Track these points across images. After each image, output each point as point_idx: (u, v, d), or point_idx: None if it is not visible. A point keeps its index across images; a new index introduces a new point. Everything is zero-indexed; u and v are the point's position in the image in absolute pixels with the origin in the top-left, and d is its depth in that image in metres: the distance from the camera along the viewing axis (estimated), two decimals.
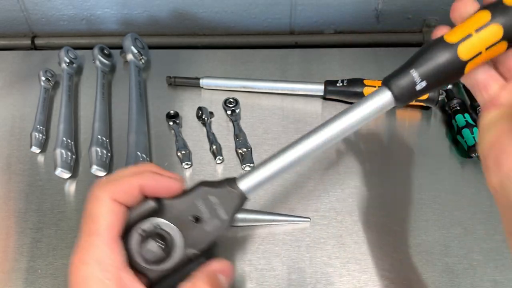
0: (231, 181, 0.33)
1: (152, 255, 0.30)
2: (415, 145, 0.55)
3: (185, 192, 0.32)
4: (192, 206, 0.32)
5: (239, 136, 0.55)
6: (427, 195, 0.49)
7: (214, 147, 0.54)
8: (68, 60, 0.63)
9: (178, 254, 0.31)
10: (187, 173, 0.53)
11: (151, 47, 0.67)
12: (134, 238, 0.31)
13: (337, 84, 0.58)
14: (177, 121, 0.57)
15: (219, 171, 0.53)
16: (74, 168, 0.52)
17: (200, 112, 0.57)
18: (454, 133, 0.55)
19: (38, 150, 0.54)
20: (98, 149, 0.52)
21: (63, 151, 0.52)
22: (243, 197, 0.33)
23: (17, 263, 0.45)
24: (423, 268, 0.44)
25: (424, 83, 0.30)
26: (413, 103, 0.57)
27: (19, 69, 0.66)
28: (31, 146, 0.54)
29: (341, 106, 0.59)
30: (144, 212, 0.31)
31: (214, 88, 0.62)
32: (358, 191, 0.50)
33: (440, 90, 0.57)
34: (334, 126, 0.32)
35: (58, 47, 0.64)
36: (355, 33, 0.72)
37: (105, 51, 0.64)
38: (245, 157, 0.53)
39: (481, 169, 0.53)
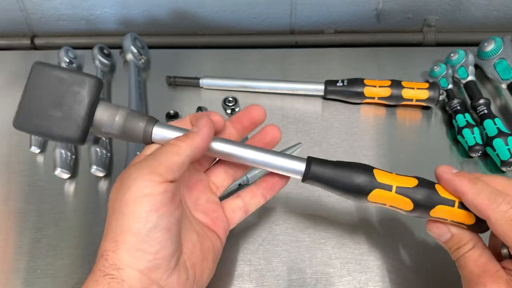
0: (151, 119, 0.37)
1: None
2: (415, 144, 0.55)
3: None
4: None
5: None
6: None
7: None
8: (67, 60, 0.62)
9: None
10: None
11: (151, 47, 0.67)
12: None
13: (337, 84, 0.58)
14: None
15: None
16: (73, 168, 0.52)
17: (200, 112, 0.57)
18: (454, 133, 0.55)
19: (37, 150, 0.54)
20: (98, 149, 0.52)
21: (62, 151, 0.52)
22: (147, 137, 0.37)
23: (17, 263, 0.45)
24: (424, 268, 0.44)
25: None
26: (414, 102, 0.57)
27: (19, 69, 0.66)
28: (30, 146, 0.54)
29: (341, 106, 0.59)
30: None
31: (214, 88, 0.62)
32: None
33: (441, 90, 0.57)
34: (250, 152, 0.39)
35: (58, 47, 0.64)
36: (355, 33, 0.72)
37: (105, 51, 0.64)
38: None
39: (481, 169, 0.53)
